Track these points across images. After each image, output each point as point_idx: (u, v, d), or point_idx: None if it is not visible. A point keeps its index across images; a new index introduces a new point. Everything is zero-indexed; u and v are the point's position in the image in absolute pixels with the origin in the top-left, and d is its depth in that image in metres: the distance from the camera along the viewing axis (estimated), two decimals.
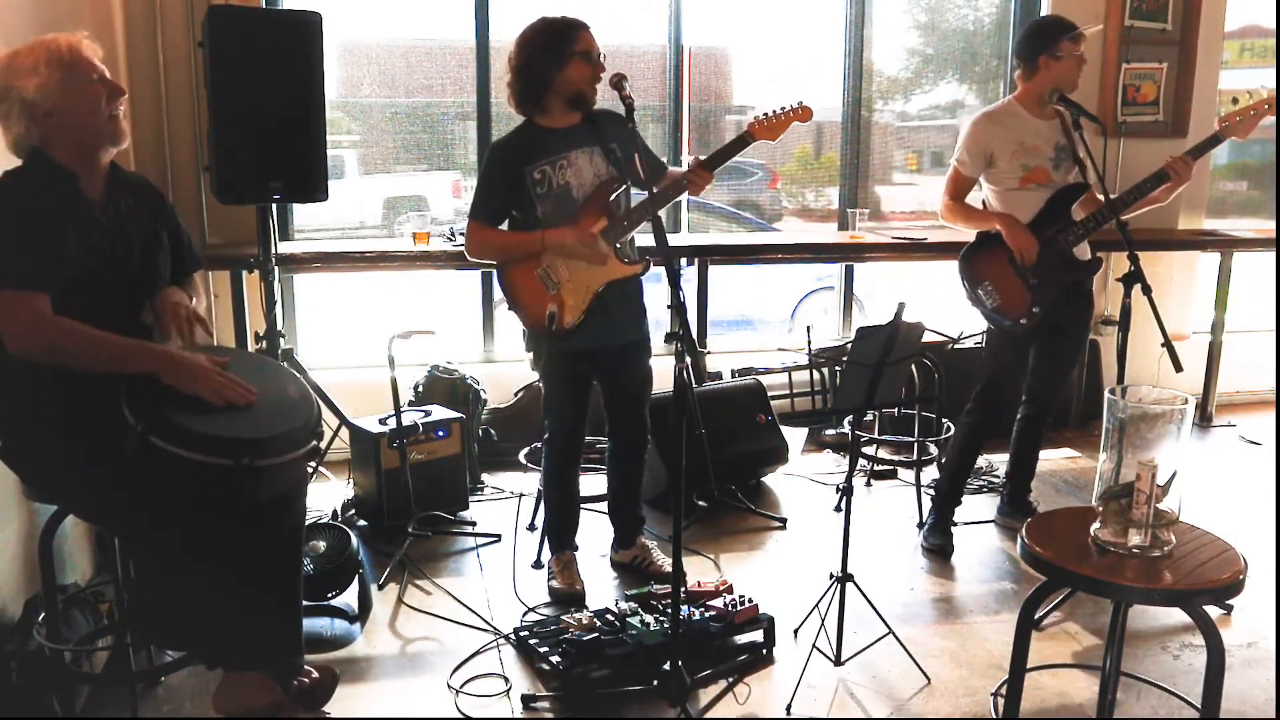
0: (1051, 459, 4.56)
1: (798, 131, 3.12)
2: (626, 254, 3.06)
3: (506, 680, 2.69)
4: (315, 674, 2.40)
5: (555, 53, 2.93)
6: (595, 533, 3.50)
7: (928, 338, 3.42)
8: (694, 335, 2.47)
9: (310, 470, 3.00)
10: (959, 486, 3.64)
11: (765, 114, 3.09)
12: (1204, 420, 5.15)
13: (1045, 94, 3.35)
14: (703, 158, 3.04)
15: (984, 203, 3.53)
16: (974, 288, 3.44)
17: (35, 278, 2.05)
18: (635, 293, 3.13)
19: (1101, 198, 3.25)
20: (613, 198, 3.03)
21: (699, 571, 3.34)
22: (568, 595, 3.12)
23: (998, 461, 4.12)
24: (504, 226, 3.12)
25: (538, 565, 3.37)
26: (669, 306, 2.43)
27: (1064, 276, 3.35)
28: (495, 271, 3.12)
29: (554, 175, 3.01)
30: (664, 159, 3.53)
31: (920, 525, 3.75)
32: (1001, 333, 3.45)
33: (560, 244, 2.97)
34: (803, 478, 4.29)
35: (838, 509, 3.93)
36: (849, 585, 2.72)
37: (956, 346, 4.50)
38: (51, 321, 2.06)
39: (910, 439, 4.31)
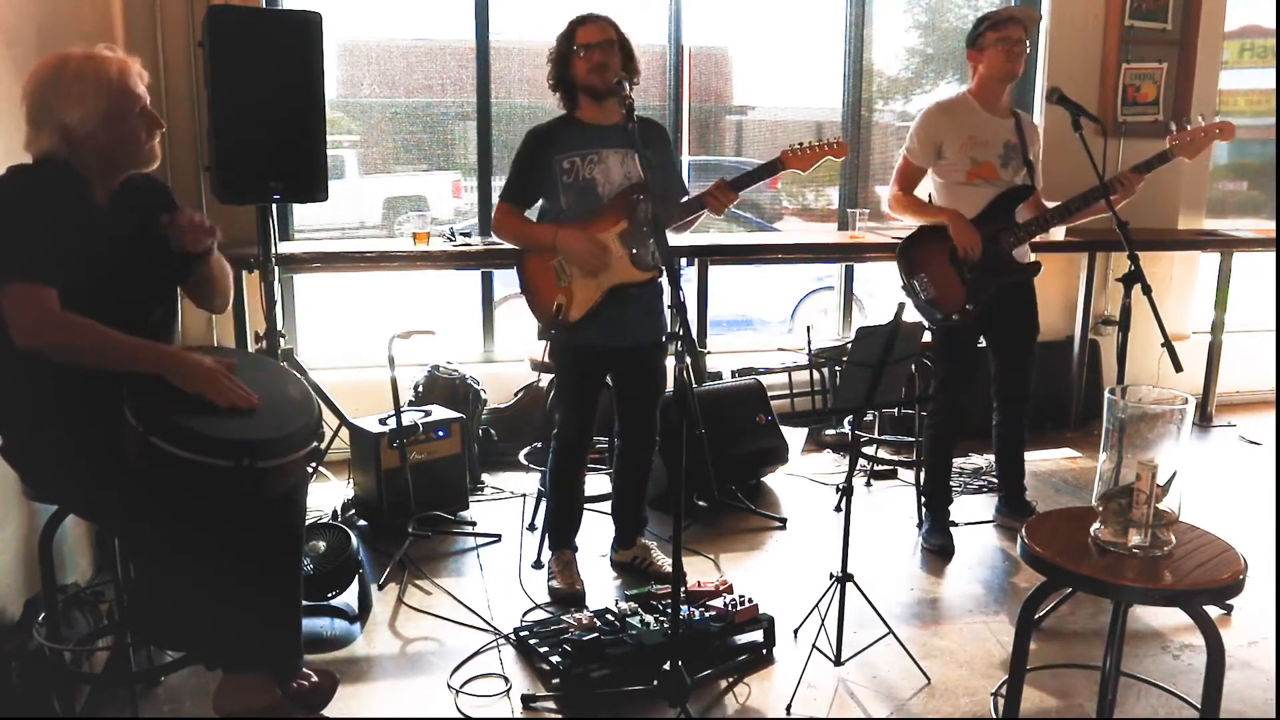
0: (1051, 459, 4.57)
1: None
2: (645, 260, 3.06)
3: (506, 680, 2.69)
4: (315, 677, 2.39)
5: (562, 51, 3.04)
6: (595, 533, 3.50)
7: (927, 338, 3.43)
8: (694, 335, 2.46)
9: (310, 470, 3.00)
10: (943, 487, 3.66)
11: (800, 144, 3.10)
12: (1204, 420, 5.16)
13: (991, 86, 3.41)
14: (728, 179, 3.07)
15: (930, 196, 3.55)
16: (910, 278, 3.49)
17: (44, 271, 2.04)
18: (653, 297, 3.14)
19: (1048, 204, 3.39)
20: (636, 200, 3.03)
21: (699, 571, 3.35)
22: (568, 595, 3.12)
23: None
24: (531, 213, 3.17)
25: (538, 565, 3.37)
26: (669, 306, 2.44)
27: (1001, 276, 3.40)
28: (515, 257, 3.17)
29: (582, 168, 3.04)
30: None
31: (920, 525, 3.76)
32: (946, 331, 3.49)
33: (567, 245, 2.99)
34: (803, 478, 4.29)
35: (838, 509, 3.92)
36: (849, 585, 2.72)
37: None
38: (60, 316, 2.04)
39: (910, 439, 4.31)
